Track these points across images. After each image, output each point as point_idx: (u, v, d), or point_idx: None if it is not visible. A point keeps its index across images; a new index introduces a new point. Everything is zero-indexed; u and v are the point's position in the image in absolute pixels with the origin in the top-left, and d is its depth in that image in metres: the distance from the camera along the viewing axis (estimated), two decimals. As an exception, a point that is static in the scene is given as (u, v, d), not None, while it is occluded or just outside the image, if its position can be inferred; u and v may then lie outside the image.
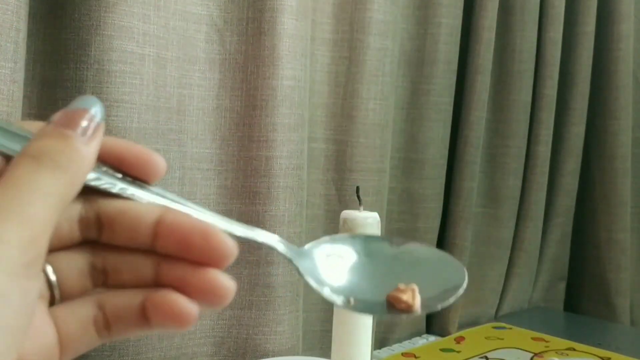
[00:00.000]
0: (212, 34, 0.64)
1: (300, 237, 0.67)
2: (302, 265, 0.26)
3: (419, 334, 0.87)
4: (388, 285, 0.26)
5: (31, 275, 0.20)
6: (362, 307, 0.26)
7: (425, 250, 0.28)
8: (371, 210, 0.55)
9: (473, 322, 0.93)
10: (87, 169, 0.22)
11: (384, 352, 0.80)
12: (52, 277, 0.23)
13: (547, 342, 0.82)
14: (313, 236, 0.69)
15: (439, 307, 0.26)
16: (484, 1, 0.86)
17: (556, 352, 0.78)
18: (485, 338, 0.84)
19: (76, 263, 0.24)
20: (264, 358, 0.64)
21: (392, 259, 0.28)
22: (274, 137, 0.64)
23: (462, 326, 0.90)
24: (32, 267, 0.20)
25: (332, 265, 0.27)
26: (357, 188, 0.56)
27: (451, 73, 0.85)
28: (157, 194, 0.24)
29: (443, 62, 0.84)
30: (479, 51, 0.87)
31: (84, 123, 0.22)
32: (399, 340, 0.84)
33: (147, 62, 0.58)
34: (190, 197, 0.63)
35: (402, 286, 0.26)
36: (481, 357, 0.76)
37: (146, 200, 0.23)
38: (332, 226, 0.74)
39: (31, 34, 0.54)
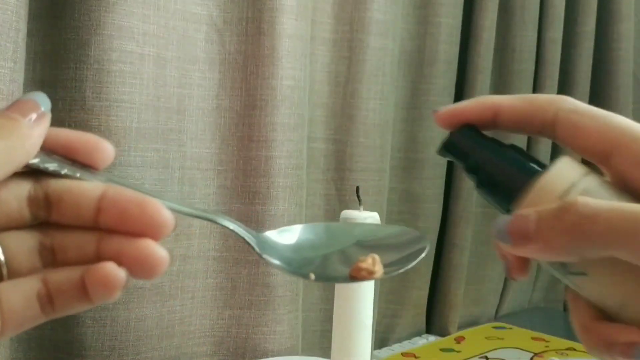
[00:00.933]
0: (211, 34, 0.64)
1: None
2: (263, 247, 0.28)
3: (419, 334, 0.87)
4: (350, 262, 0.29)
5: None
6: (329, 278, 0.28)
7: (385, 228, 0.31)
8: (371, 210, 0.55)
9: (473, 322, 0.93)
10: (30, 148, 0.24)
11: (384, 352, 0.80)
12: (0, 256, 0.24)
13: (547, 342, 0.82)
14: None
15: (402, 270, 0.28)
16: (484, 1, 0.86)
17: (556, 352, 0.78)
18: (486, 338, 0.84)
19: (25, 242, 0.25)
20: (264, 358, 0.64)
21: (353, 240, 0.30)
22: (273, 137, 0.64)
23: (462, 326, 0.90)
24: None
25: (294, 248, 0.29)
26: (357, 188, 0.56)
27: (451, 73, 0.85)
28: (106, 178, 0.25)
29: (443, 61, 0.84)
30: (479, 51, 0.87)
31: (30, 110, 0.24)
32: (399, 340, 0.84)
33: (147, 62, 0.58)
34: (189, 197, 0.63)
35: (362, 258, 0.29)
36: (481, 357, 0.76)
37: (93, 180, 0.25)
38: (332, 226, 0.74)
39: (31, 34, 0.54)
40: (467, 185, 0.88)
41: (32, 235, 0.25)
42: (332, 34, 0.73)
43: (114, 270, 0.23)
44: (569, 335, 0.85)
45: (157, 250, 0.24)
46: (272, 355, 0.64)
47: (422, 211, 0.85)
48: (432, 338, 0.86)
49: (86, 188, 0.25)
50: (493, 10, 0.87)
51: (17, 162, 0.24)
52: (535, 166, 0.27)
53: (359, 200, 0.55)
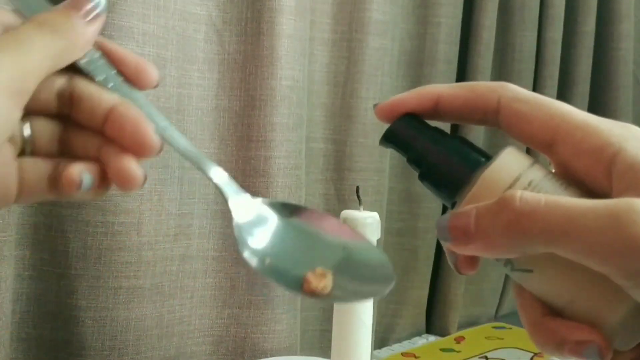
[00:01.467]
0: (211, 34, 0.64)
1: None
2: (238, 215, 0.27)
3: (418, 334, 0.87)
4: (310, 263, 0.27)
5: (12, 104, 0.24)
6: (278, 276, 0.26)
7: (361, 244, 0.29)
8: (371, 210, 0.55)
9: (473, 322, 0.93)
10: (82, 44, 0.27)
11: (384, 352, 0.80)
12: (27, 132, 0.27)
13: (547, 342, 0.82)
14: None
15: (350, 302, 0.26)
16: (483, 1, 0.86)
17: (556, 352, 0.78)
18: (485, 338, 0.83)
19: (48, 129, 0.28)
20: (262, 357, 0.64)
21: (326, 241, 0.28)
22: (272, 137, 0.64)
23: (462, 326, 0.90)
24: (16, 98, 0.25)
25: (269, 228, 0.28)
26: (357, 188, 0.56)
27: (451, 73, 0.85)
28: (134, 98, 0.27)
29: (443, 61, 0.84)
30: (478, 51, 0.87)
31: (87, 8, 0.27)
32: (399, 340, 0.84)
33: (146, 62, 0.58)
34: (189, 196, 0.63)
35: (319, 270, 0.27)
36: (481, 357, 0.76)
37: (118, 93, 0.27)
38: (331, 226, 0.74)
39: (30, 34, 0.54)
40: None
41: (54, 125, 0.28)
42: (331, 34, 0.73)
43: (75, 173, 0.27)
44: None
45: (135, 169, 0.27)
46: (271, 355, 0.64)
47: (422, 211, 0.85)
48: (432, 338, 0.86)
49: (104, 97, 0.27)
50: (493, 10, 0.87)
51: (69, 59, 0.27)
52: (480, 157, 0.26)
53: (359, 200, 0.55)
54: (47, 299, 0.57)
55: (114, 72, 0.28)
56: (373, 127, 0.75)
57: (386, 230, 0.81)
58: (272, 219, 0.28)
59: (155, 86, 0.29)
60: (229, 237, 0.65)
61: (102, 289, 0.57)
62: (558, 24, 0.97)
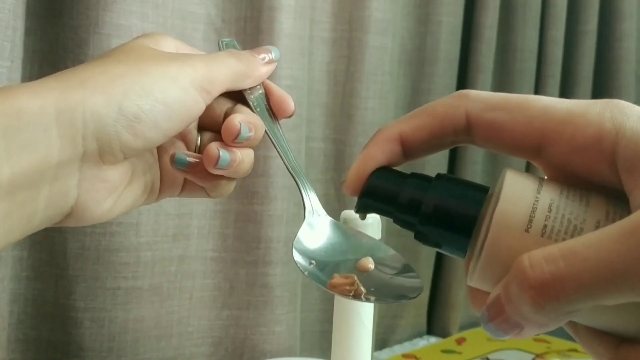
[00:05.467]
0: (210, 33, 0.63)
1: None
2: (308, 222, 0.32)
3: (419, 335, 0.87)
4: (342, 268, 0.30)
5: (200, 98, 0.31)
6: (315, 276, 0.29)
7: (392, 256, 0.32)
8: (371, 210, 0.55)
9: (474, 323, 0.92)
10: (257, 76, 0.35)
11: (385, 353, 0.79)
12: (198, 142, 0.35)
13: (548, 343, 0.81)
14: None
15: (388, 302, 0.30)
16: (485, -1, 0.86)
17: (558, 353, 0.77)
18: (487, 339, 0.83)
19: (207, 142, 0.35)
20: (262, 359, 0.64)
21: (363, 253, 0.31)
22: (272, 136, 0.63)
23: (463, 327, 0.89)
24: (203, 94, 0.31)
25: (326, 240, 0.32)
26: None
27: (452, 72, 0.85)
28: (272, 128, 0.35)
29: (444, 60, 0.83)
30: (480, 50, 0.86)
31: (265, 55, 0.36)
32: (400, 342, 0.84)
33: (145, 61, 0.58)
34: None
35: (344, 275, 0.29)
36: (482, 359, 0.76)
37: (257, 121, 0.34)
38: (331, 226, 0.73)
39: (28, 33, 0.53)
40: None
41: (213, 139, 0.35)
42: (331, 33, 0.73)
43: (213, 147, 0.33)
44: (571, 336, 0.85)
45: (235, 121, 0.33)
46: (271, 356, 0.64)
47: (423, 211, 0.84)
48: (433, 339, 0.85)
49: (225, 111, 0.35)
50: (494, 9, 0.86)
51: (244, 83, 0.34)
52: (479, 192, 0.23)
53: (358, 200, 0.54)
54: (45, 300, 0.57)
55: (266, 105, 0.36)
56: (373, 127, 0.74)
57: (387, 230, 0.80)
58: (333, 234, 0.32)
59: (290, 116, 0.36)
60: (228, 237, 0.65)
61: (100, 290, 0.57)
62: (560, 22, 0.96)
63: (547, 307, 0.19)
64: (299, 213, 0.67)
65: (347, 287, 0.28)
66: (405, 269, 0.31)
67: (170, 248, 0.61)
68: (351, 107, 0.73)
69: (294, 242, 0.30)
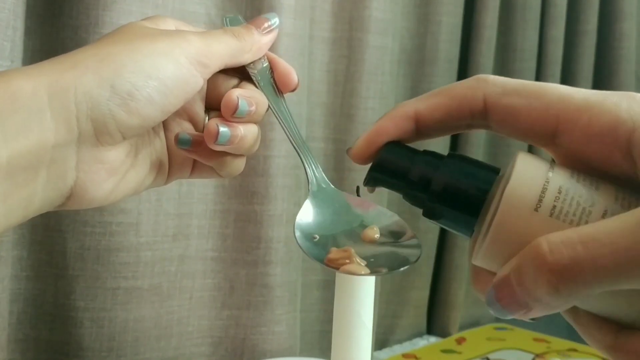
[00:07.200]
0: (210, 33, 0.63)
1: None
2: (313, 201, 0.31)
3: (419, 335, 0.87)
4: (341, 241, 0.29)
5: (196, 72, 0.31)
6: (313, 250, 0.29)
7: (389, 218, 0.32)
8: (371, 209, 0.54)
9: (474, 323, 0.92)
10: (256, 49, 0.34)
11: (385, 353, 0.79)
12: (206, 122, 0.34)
13: (548, 342, 0.81)
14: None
15: (385, 273, 0.28)
16: (485, -1, 0.86)
17: (558, 353, 0.77)
18: (487, 339, 0.83)
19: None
20: (262, 359, 0.64)
21: (357, 222, 0.31)
22: (272, 136, 0.63)
23: (463, 327, 0.89)
24: (200, 68, 0.31)
25: (331, 212, 0.31)
26: (358, 188, 0.56)
27: (452, 72, 0.85)
28: (270, 102, 0.34)
29: (444, 60, 0.83)
30: (480, 49, 0.86)
31: (264, 25, 0.35)
32: (400, 341, 0.84)
33: (145, 61, 0.57)
34: (188, 196, 0.62)
35: (341, 248, 0.29)
36: (482, 358, 0.76)
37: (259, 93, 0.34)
38: (331, 226, 0.73)
39: (28, 33, 0.53)
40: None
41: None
42: (331, 33, 0.73)
43: (213, 124, 0.32)
44: (571, 336, 0.85)
45: (234, 95, 0.33)
46: (271, 356, 0.64)
47: (423, 211, 0.84)
48: (432, 339, 0.85)
49: (231, 88, 0.34)
50: (494, 9, 0.86)
51: (242, 59, 0.34)
52: (490, 172, 0.23)
53: (359, 200, 0.54)
54: (44, 300, 0.57)
55: (271, 79, 0.35)
56: (373, 127, 0.74)
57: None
58: (338, 205, 0.32)
59: (294, 89, 0.35)
60: (228, 237, 0.65)
61: (100, 290, 0.57)
62: (560, 22, 0.96)
63: (563, 291, 0.20)
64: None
65: (344, 261, 0.28)
66: (407, 235, 0.30)
67: (170, 248, 0.61)
68: (351, 107, 0.73)
69: (296, 218, 0.30)
